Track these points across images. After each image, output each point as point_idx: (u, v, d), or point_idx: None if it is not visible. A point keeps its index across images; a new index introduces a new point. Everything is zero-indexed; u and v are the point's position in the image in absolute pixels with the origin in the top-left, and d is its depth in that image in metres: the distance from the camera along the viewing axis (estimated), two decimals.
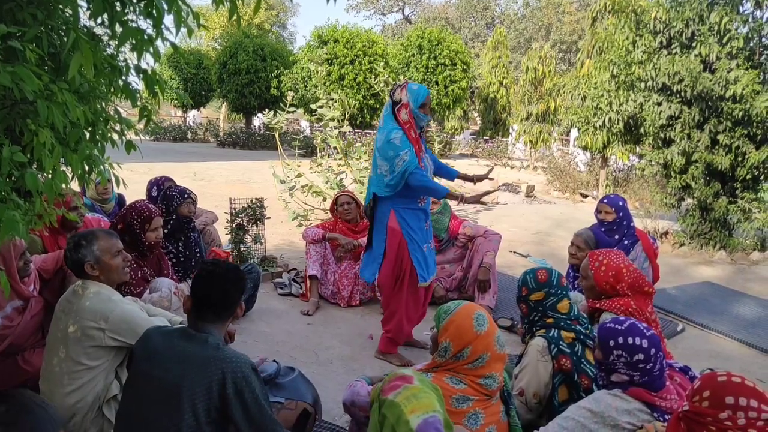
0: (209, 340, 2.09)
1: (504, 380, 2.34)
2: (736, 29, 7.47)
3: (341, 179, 7.98)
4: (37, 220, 2.12)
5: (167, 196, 4.46)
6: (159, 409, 2.00)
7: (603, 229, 4.59)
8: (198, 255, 4.55)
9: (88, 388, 2.49)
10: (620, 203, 4.60)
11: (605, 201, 4.65)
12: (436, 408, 1.90)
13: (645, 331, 2.21)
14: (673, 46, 7.92)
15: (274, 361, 2.86)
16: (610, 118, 9.29)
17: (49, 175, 1.92)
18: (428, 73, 21.91)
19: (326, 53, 19.68)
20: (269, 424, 2.06)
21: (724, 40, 7.43)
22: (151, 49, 1.94)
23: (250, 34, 24.49)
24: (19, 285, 2.86)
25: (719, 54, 7.38)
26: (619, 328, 2.23)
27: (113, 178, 2.39)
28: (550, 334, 2.70)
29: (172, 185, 4.78)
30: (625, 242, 4.51)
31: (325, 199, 7.89)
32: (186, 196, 4.47)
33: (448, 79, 22.04)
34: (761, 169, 7.29)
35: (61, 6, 1.88)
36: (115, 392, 2.54)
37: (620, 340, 2.19)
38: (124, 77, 2.10)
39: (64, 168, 2.03)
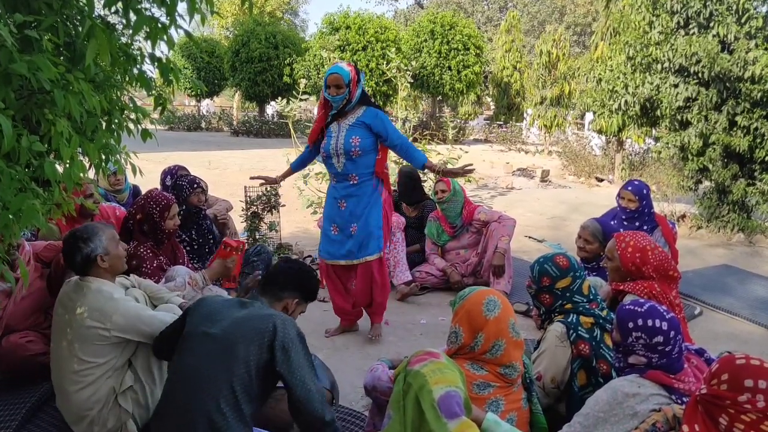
0: (260, 304, 2.35)
1: (525, 366, 2.34)
2: (755, 8, 7.36)
3: None
4: (56, 209, 2.15)
5: (177, 186, 4.45)
6: (214, 364, 2.11)
7: (624, 217, 4.46)
8: (211, 242, 4.57)
9: (100, 383, 2.52)
10: (644, 191, 4.42)
11: (629, 189, 4.44)
12: (459, 385, 1.93)
13: (665, 313, 2.19)
14: (690, 26, 7.80)
15: None
16: (626, 101, 9.16)
17: (67, 164, 1.94)
18: (441, 59, 21.72)
19: (338, 40, 19.54)
20: (309, 376, 2.19)
21: (743, 20, 7.31)
22: (165, 37, 1.95)
23: (262, 22, 24.42)
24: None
25: (737, 34, 7.26)
26: (639, 309, 2.21)
27: (129, 167, 2.41)
28: (569, 320, 2.68)
29: (184, 175, 4.79)
30: (645, 228, 4.34)
31: None
32: (195, 185, 4.45)
33: (461, 64, 21.84)
34: None
35: None
36: (129, 384, 2.57)
37: (640, 321, 2.17)
38: (138, 66, 2.11)
39: (82, 157, 2.05)
